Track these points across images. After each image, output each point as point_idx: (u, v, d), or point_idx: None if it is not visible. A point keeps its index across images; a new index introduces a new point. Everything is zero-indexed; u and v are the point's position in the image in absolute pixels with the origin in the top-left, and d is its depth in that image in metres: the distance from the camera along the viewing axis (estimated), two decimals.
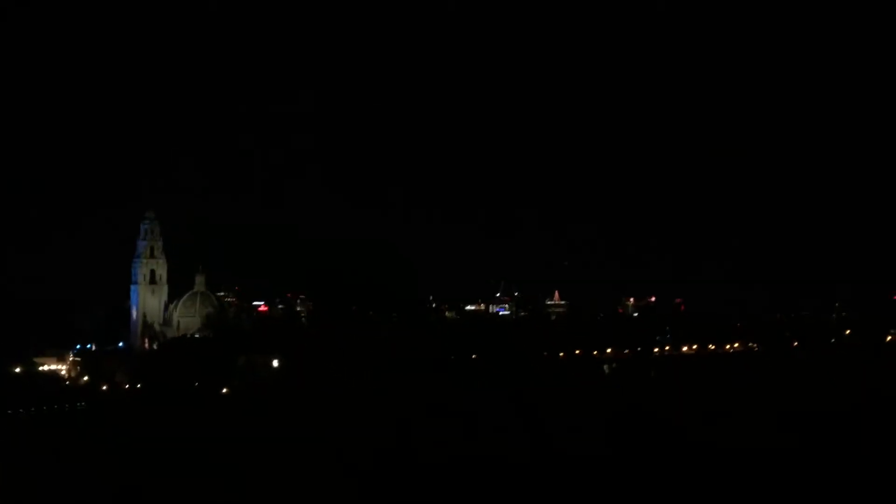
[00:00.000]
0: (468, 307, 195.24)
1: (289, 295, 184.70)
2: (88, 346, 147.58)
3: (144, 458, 79.16)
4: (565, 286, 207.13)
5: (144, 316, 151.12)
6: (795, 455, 78.76)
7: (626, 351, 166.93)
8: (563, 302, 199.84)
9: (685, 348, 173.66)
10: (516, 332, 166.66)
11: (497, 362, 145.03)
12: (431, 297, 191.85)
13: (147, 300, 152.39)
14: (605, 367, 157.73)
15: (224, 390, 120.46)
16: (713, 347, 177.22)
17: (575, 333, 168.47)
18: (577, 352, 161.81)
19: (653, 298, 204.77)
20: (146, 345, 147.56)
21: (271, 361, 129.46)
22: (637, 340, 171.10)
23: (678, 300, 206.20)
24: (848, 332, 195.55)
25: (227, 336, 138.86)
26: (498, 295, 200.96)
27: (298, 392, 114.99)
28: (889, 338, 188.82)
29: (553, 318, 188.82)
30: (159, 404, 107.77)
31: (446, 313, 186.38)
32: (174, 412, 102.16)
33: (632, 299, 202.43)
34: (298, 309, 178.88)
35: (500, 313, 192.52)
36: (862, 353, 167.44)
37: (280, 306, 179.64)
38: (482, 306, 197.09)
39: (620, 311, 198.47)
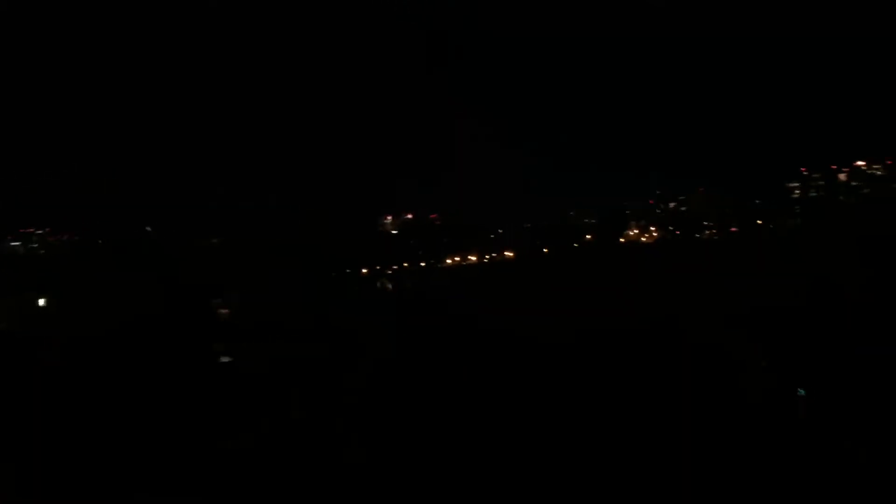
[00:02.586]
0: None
1: None
2: None
3: None
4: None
5: None
6: None
7: (394, 267, 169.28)
8: None
9: (449, 261, 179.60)
10: None
11: None
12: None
13: None
14: (378, 283, 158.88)
15: None
16: (474, 258, 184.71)
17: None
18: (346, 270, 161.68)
19: (410, 215, 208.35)
20: None
21: None
22: (401, 256, 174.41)
23: (433, 215, 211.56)
24: (588, 236, 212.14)
25: None
26: None
27: None
28: (622, 240, 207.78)
29: None
30: None
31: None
32: None
33: (389, 217, 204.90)
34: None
35: None
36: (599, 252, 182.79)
37: None
38: None
39: (380, 229, 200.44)
